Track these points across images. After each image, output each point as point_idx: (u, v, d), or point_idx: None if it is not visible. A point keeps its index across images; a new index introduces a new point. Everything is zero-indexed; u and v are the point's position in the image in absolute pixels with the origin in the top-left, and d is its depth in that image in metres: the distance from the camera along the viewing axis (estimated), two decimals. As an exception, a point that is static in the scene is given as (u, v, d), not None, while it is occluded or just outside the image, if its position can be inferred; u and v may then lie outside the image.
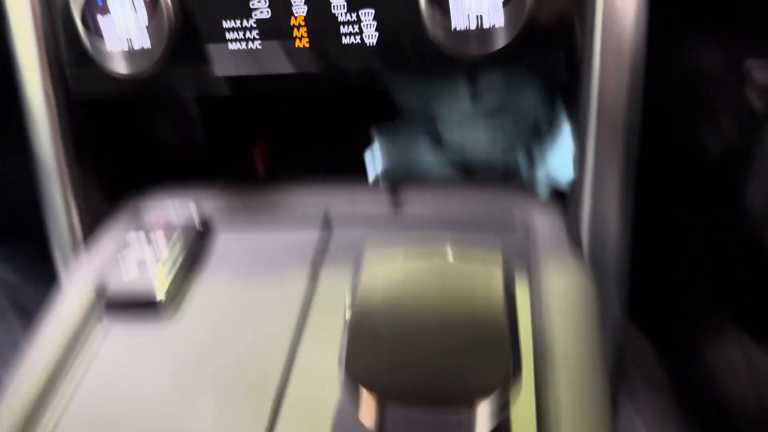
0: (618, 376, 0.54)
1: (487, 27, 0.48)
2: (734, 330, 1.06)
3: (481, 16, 0.48)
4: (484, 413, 0.37)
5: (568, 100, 0.60)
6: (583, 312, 0.50)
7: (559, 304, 0.50)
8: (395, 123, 0.67)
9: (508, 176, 0.63)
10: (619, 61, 0.51)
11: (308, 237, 0.58)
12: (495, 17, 0.48)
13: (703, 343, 1.04)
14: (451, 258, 0.41)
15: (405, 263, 0.41)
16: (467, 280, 0.39)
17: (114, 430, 0.45)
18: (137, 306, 0.51)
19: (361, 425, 0.39)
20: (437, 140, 0.66)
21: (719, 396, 0.99)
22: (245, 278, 0.55)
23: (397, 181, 0.62)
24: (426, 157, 0.64)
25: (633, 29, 0.51)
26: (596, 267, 0.54)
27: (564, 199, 0.58)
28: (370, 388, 0.37)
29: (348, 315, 0.39)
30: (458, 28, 0.48)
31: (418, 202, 0.60)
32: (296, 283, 0.54)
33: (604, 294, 0.54)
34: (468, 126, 0.64)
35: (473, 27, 0.48)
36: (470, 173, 0.64)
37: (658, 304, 1.10)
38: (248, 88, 0.56)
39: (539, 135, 0.64)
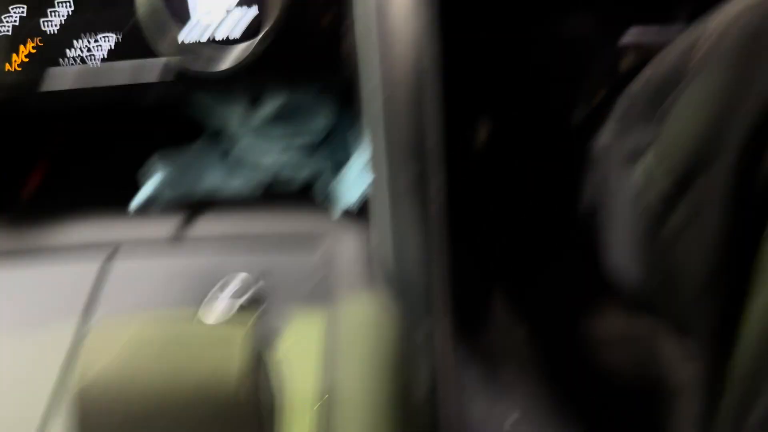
0: (436, 403, 0.50)
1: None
2: (612, 303, 1.06)
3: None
4: None
5: (353, 106, 0.54)
6: (379, 346, 0.45)
7: (352, 342, 0.45)
8: (183, 142, 0.59)
9: (306, 195, 0.57)
10: (401, 55, 0.46)
11: (80, 275, 0.50)
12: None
13: (580, 319, 1.05)
14: (187, 336, 0.35)
15: (135, 341, 0.34)
16: (202, 362, 0.34)
17: None
18: None
19: None
20: (227, 157, 0.59)
21: (597, 370, 1.00)
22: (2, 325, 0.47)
23: (182, 204, 0.55)
24: (215, 177, 0.57)
25: (413, 19, 0.45)
26: (400, 289, 0.49)
27: (364, 217, 0.53)
28: None
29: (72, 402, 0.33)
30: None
31: (208, 225, 0.54)
32: (61, 333, 0.47)
33: (409, 317, 0.49)
34: (258, 140, 0.57)
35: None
36: (267, 193, 0.58)
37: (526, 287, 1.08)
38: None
39: (334, 148, 0.58)
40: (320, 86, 0.56)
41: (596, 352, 1.02)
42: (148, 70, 0.50)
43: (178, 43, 0.46)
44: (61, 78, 0.51)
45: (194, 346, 0.34)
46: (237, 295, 0.47)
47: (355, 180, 0.53)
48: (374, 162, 0.48)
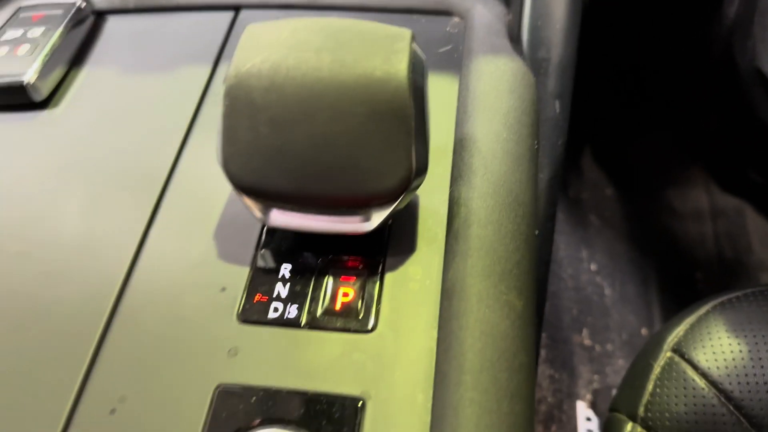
0: (557, 182, 0.49)
1: None
2: (702, 176, 1.04)
3: None
4: (379, 217, 0.34)
5: None
6: (515, 103, 0.44)
7: (489, 94, 0.44)
8: None
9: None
10: None
11: (213, 23, 0.51)
12: None
13: (669, 187, 1.03)
14: (350, 32, 0.33)
15: (293, 34, 0.33)
16: (367, 56, 0.32)
17: None
18: (4, 92, 0.45)
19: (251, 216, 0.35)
20: None
21: (679, 239, 0.98)
22: (140, 66, 0.49)
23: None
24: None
25: None
26: (537, 61, 0.48)
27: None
28: (250, 192, 0.33)
29: (222, 99, 0.32)
30: None
31: None
32: (196, 74, 0.47)
33: (544, 91, 0.48)
34: None
35: None
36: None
37: (623, 147, 1.06)
38: None
39: None
40: None
41: (682, 222, 1.00)
42: None
43: None
44: None
45: (359, 39, 0.32)
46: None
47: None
48: None
